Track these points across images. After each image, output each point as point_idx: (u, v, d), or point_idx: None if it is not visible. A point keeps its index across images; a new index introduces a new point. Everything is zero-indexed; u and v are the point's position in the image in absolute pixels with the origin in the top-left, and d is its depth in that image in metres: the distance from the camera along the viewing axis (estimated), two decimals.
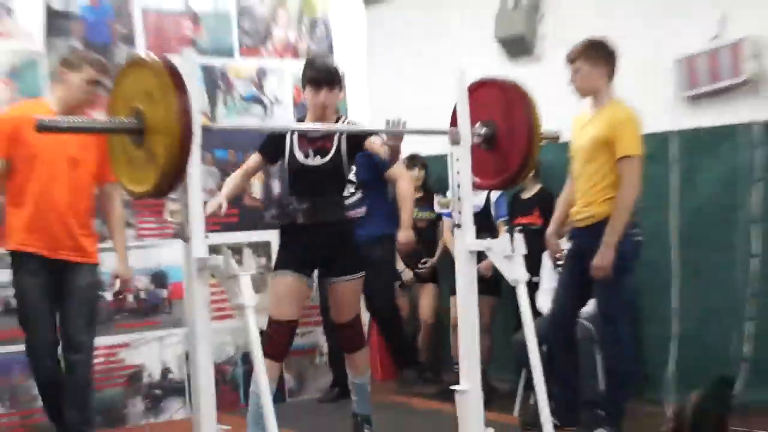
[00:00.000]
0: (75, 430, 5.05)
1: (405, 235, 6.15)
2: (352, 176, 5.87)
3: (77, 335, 5.07)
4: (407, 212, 6.18)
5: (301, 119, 5.06)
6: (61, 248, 4.98)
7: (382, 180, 6.20)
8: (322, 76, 4.81)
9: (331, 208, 4.96)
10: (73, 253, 5.02)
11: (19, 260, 4.92)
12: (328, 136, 4.88)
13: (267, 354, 4.33)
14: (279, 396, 6.08)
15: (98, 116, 5.22)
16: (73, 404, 5.05)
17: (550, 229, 5.50)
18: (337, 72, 4.93)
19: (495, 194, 6.91)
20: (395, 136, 4.38)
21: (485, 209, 6.96)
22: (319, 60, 5.08)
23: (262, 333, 4.72)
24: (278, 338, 4.86)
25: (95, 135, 4.86)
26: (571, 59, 5.20)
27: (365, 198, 6.03)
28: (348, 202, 5.78)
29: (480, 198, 6.90)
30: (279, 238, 5.15)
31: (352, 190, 5.93)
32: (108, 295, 5.88)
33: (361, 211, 5.98)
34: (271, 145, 4.93)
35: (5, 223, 4.97)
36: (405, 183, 6.17)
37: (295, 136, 4.87)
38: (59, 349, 5.05)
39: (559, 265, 5.64)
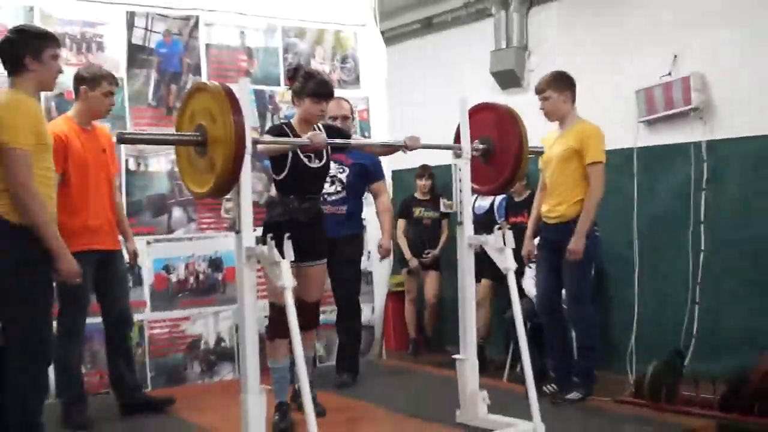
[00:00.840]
0: (135, 386, 5.06)
1: (388, 242, 5.78)
2: (344, 178, 5.63)
3: (128, 311, 5.05)
4: (390, 223, 5.87)
5: (288, 125, 4.64)
6: (112, 240, 4.84)
7: (365, 187, 5.83)
8: (325, 91, 4.56)
9: (318, 203, 4.74)
10: (113, 243, 4.87)
11: (79, 259, 4.26)
12: None
13: (282, 335, 4.27)
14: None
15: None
16: (129, 366, 5.02)
17: (529, 231, 5.44)
18: (332, 86, 4.70)
19: (498, 199, 6.92)
20: (412, 140, 4.38)
21: (491, 211, 6.97)
22: (319, 75, 4.67)
23: (271, 320, 4.66)
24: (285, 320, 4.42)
25: (106, 140, 4.83)
26: (540, 89, 5.17)
27: (347, 199, 5.65)
28: (333, 198, 5.64)
29: (487, 201, 6.93)
30: (268, 231, 4.32)
31: (339, 188, 5.66)
32: (173, 277, 5.88)
33: (342, 209, 5.66)
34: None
35: (60, 231, 4.26)
36: (386, 198, 5.86)
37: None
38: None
39: (532, 261, 5.58)
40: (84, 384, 4.95)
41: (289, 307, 3.60)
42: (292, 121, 4.66)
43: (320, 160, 4.60)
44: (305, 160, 4.53)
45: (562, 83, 5.14)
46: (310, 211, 4.59)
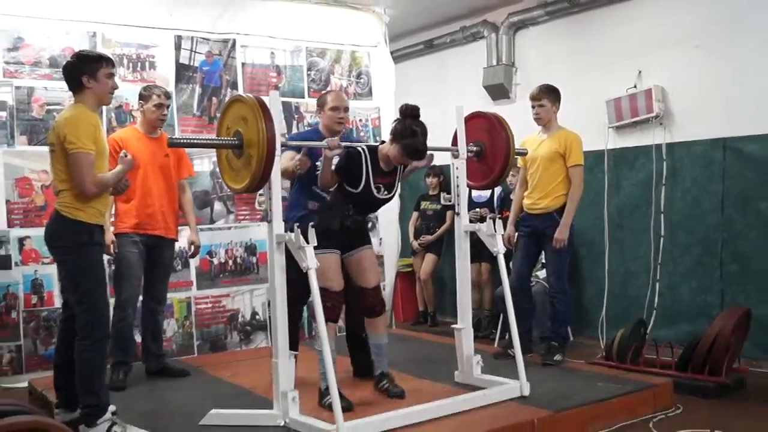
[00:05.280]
0: (161, 354, 5.05)
1: None
2: None
3: (163, 294, 5.02)
4: None
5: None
6: (164, 228, 4.83)
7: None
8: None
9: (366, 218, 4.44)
10: (164, 230, 4.87)
11: (126, 239, 4.68)
12: (394, 171, 4.19)
13: (331, 319, 4.01)
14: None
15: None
16: (156, 338, 5.01)
17: (511, 219, 5.43)
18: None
19: (498, 191, 6.87)
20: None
21: (490, 202, 6.91)
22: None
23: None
24: (338, 305, 4.18)
25: (174, 147, 4.65)
26: (537, 97, 5.15)
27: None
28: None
29: (486, 193, 6.85)
30: (321, 226, 3.93)
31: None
32: (215, 261, 5.88)
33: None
34: (348, 172, 4.09)
35: (116, 213, 4.78)
36: None
37: (371, 170, 4.08)
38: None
39: (512, 247, 5.55)
40: (136, 352, 4.98)
41: (314, 289, 3.57)
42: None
43: (389, 192, 4.21)
44: (374, 191, 4.12)
45: (554, 94, 5.17)
46: (357, 221, 4.23)
